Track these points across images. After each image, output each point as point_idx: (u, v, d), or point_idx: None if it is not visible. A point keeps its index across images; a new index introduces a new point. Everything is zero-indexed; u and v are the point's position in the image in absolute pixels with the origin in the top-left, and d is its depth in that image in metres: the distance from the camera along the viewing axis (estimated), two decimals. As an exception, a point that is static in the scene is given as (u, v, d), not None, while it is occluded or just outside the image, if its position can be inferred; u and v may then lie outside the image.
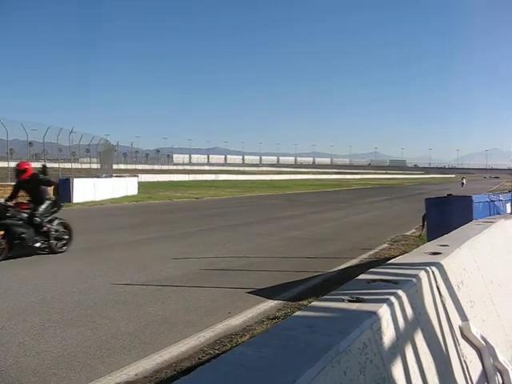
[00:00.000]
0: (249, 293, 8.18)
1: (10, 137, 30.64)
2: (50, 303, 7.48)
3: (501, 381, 3.91)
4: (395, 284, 3.00)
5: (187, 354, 5.55)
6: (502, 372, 3.95)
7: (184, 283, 8.75)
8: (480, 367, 3.76)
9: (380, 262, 10.77)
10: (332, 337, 2.03)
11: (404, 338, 2.61)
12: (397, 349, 2.48)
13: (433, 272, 3.55)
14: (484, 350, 3.82)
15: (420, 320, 2.97)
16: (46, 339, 5.97)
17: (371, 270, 3.53)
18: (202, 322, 6.67)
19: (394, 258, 11.03)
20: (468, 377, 3.47)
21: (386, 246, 13.44)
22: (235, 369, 1.71)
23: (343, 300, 2.63)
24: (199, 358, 5.43)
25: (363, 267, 10.20)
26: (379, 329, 2.36)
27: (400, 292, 2.79)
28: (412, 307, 2.87)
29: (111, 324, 6.56)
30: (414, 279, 3.16)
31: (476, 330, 3.79)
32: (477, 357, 3.77)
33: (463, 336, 3.68)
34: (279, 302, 7.66)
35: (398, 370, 2.41)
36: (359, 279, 3.21)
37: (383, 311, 2.46)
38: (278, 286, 8.61)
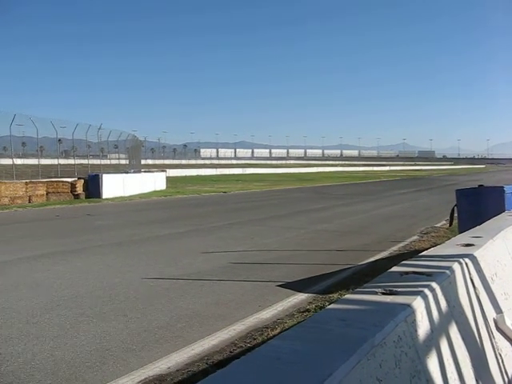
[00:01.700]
0: (279, 286, 8.18)
1: (39, 134, 31.09)
2: (83, 298, 7.58)
3: (537, 374, 3.85)
4: (428, 276, 2.97)
5: (219, 348, 5.58)
6: (538, 365, 3.89)
7: (214, 277, 8.79)
8: (515, 360, 3.71)
9: (410, 254, 10.68)
10: (366, 330, 2.02)
11: (438, 330, 2.59)
12: (431, 341, 2.46)
13: (466, 264, 3.51)
14: (519, 343, 3.77)
15: (454, 312, 2.94)
16: (80, 333, 6.06)
17: (403, 262, 3.51)
18: (232, 316, 6.69)
19: (425, 250, 10.93)
20: (503, 369, 3.43)
21: (416, 238, 13.31)
22: (271, 362, 1.72)
23: (376, 293, 2.62)
24: (231, 352, 5.45)
25: (393, 260, 10.13)
26: (414, 321, 2.35)
27: (434, 284, 2.76)
28: (446, 299, 2.84)
29: (143, 318, 6.62)
30: (447, 271, 3.13)
31: (511, 323, 3.74)
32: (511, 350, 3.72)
33: (498, 328, 3.63)
34: (309, 295, 7.64)
35: (433, 363, 2.39)
36: (392, 272, 3.19)
37: (417, 304, 2.44)
38: (307, 279, 8.59)
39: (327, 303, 6.96)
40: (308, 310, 6.77)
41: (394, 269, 3.27)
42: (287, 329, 2.14)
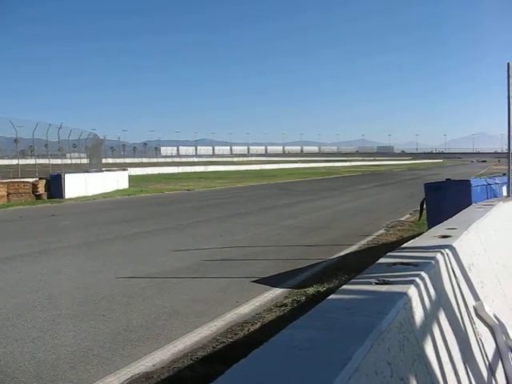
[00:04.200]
0: (253, 282, 8.29)
1: (-4, 134, 30.44)
2: (58, 299, 7.54)
3: (512, 358, 4.05)
4: (416, 266, 3.11)
5: (201, 344, 5.65)
6: (514, 349, 4.09)
7: (188, 274, 8.84)
8: (493, 345, 3.90)
9: (379, 247, 10.94)
10: (372, 317, 2.13)
11: (431, 317, 2.73)
12: (426, 327, 2.59)
13: (447, 254, 3.67)
14: (497, 329, 3.96)
15: (441, 300, 3.09)
16: (60, 334, 6.04)
17: (389, 253, 3.64)
18: (211, 312, 6.77)
19: (392, 243, 11.17)
20: (484, 354, 3.60)
21: (382, 231, 13.59)
22: (290, 349, 1.81)
23: (371, 283, 2.74)
24: (213, 347, 5.53)
25: (363, 253, 10.37)
26: (411, 309, 2.47)
27: (423, 274, 2.90)
28: (434, 288, 2.99)
29: (122, 317, 6.64)
30: (432, 261, 3.27)
31: (489, 309, 3.92)
32: (490, 335, 3.91)
33: (477, 315, 3.81)
34: (285, 289, 7.77)
35: (429, 347, 2.53)
36: (380, 263, 3.32)
37: (412, 292, 2.57)
38: (281, 275, 8.72)
39: (303, 297, 7.10)
40: (285, 305, 6.90)
41: (382, 260, 3.41)
42: (297, 319, 2.23)
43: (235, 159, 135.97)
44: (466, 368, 3.01)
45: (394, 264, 3.22)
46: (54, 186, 26.94)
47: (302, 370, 1.63)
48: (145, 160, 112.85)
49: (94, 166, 37.65)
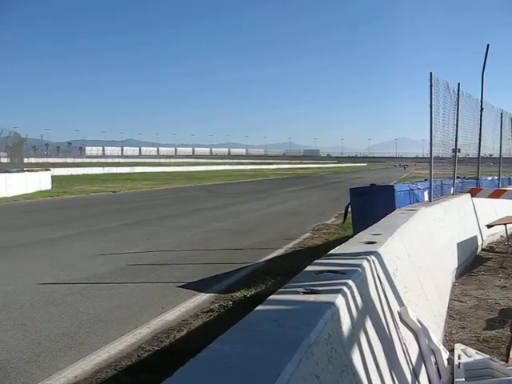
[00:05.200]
0: (180, 287, 8.17)
1: None
2: (-26, 307, 7.17)
3: (434, 360, 4.15)
4: (343, 274, 3.13)
5: (126, 352, 5.49)
6: (435, 352, 4.20)
7: (113, 280, 8.62)
8: (417, 348, 3.98)
9: (305, 250, 11.05)
10: (301, 329, 2.11)
11: (358, 325, 2.74)
12: (354, 337, 2.60)
13: (373, 261, 3.72)
14: (420, 333, 4.05)
15: (367, 308, 3.11)
16: (-25, 345, 5.74)
17: (316, 261, 3.65)
18: (136, 319, 6.60)
19: (318, 246, 11.25)
20: (408, 358, 3.67)
21: (308, 235, 13.73)
22: (218, 367, 1.75)
23: (298, 292, 2.72)
24: (139, 356, 5.38)
25: (289, 257, 10.44)
26: (338, 319, 2.47)
27: (350, 282, 2.92)
28: (360, 296, 3.01)
29: (42, 326, 6.37)
30: (359, 269, 3.30)
31: (412, 314, 4.00)
32: (414, 339, 3.99)
33: (402, 320, 3.88)
34: (211, 294, 7.69)
35: (356, 357, 2.54)
36: (308, 271, 3.32)
37: (339, 302, 2.57)
38: (208, 279, 8.64)
39: (230, 302, 7.06)
40: (212, 310, 6.82)
41: (309, 268, 3.41)
42: (225, 332, 2.18)
43: (162, 160, 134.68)
44: (391, 374, 3.05)
45: (322, 272, 3.23)
46: (-28, 186, 25.79)
47: (230, 389, 1.57)
48: (69, 160, 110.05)
49: (15, 166, 36.26)
